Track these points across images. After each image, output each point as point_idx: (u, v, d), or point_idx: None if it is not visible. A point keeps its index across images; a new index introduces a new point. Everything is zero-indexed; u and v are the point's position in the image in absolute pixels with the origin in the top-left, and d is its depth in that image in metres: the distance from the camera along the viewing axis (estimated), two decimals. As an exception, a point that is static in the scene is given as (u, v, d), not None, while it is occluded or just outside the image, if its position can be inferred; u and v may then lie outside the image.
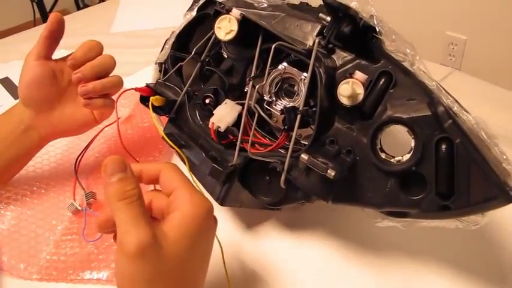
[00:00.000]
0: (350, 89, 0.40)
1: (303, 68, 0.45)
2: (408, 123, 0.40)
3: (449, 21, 1.62)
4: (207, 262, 0.37)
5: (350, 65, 0.43)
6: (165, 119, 0.55)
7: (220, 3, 0.49)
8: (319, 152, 0.41)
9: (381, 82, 0.41)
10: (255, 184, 0.48)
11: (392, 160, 0.41)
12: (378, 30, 0.41)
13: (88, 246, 0.51)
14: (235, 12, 0.46)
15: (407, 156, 0.40)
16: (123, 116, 0.70)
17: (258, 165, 0.47)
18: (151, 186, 0.40)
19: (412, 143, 0.40)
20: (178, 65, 0.54)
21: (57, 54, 0.55)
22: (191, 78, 0.52)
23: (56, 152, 0.65)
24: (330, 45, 0.44)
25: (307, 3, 0.53)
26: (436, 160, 0.38)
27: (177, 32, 0.55)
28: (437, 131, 0.38)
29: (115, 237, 0.39)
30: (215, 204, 0.41)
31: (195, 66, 0.52)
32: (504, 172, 0.37)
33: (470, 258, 0.48)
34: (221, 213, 0.51)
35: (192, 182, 0.38)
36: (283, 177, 0.44)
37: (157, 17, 1.13)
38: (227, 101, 0.49)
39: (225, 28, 0.46)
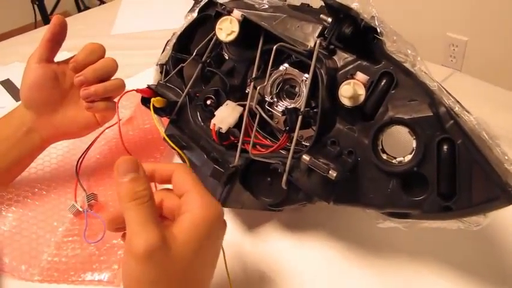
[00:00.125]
0: (351, 90, 0.40)
1: (304, 69, 0.45)
2: (410, 124, 0.39)
3: (450, 23, 1.62)
4: (213, 265, 0.37)
5: (351, 66, 0.43)
6: (166, 120, 0.55)
7: (221, 4, 0.50)
8: (321, 153, 0.41)
9: (382, 83, 0.41)
10: (256, 185, 0.48)
11: (393, 161, 0.41)
12: (379, 31, 0.41)
13: (89, 247, 0.51)
14: (237, 13, 0.46)
15: (408, 157, 0.40)
16: (124, 118, 0.70)
17: (259, 167, 0.47)
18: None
19: (414, 144, 0.39)
20: (180, 66, 0.54)
21: (59, 56, 0.55)
22: (192, 80, 0.52)
23: (57, 154, 0.65)
24: (331, 46, 0.44)
25: (308, 5, 0.53)
26: (438, 161, 0.38)
27: (178, 33, 0.55)
28: (438, 132, 0.38)
29: (123, 236, 0.39)
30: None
31: (196, 67, 0.52)
32: (506, 173, 0.37)
33: (472, 259, 0.48)
34: (222, 214, 0.51)
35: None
36: (284, 178, 0.44)
37: (158, 18, 1.13)
38: (228, 102, 0.49)
39: (226, 29, 0.46)
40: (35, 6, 2.32)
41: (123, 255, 0.33)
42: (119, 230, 0.38)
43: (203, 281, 0.36)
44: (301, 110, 0.44)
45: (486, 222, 0.39)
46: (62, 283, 0.48)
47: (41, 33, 0.54)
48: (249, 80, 0.49)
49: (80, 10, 2.70)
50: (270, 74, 0.47)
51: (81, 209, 0.54)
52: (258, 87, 0.47)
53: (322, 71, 0.42)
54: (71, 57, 0.54)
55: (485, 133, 0.38)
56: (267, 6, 0.51)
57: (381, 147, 0.41)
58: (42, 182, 0.60)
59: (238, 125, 0.48)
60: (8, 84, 0.86)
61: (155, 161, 0.63)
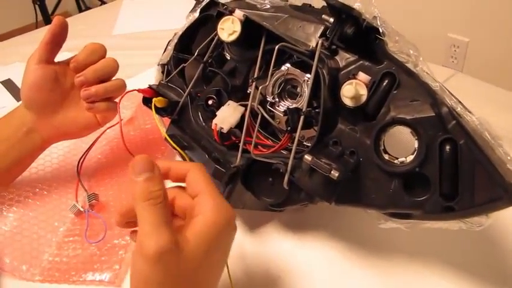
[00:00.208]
0: (353, 90, 0.40)
1: (306, 69, 0.45)
2: (412, 124, 0.39)
3: (451, 23, 1.62)
4: (222, 267, 0.37)
5: (353, 66, 0.43)
6: (167, 120, 0.55)
7: (223, 4, 0.50)
8: (323, 153, 0.41)
9: (384, 83, 0.41)
10: (257, 185, 0.48)
11: (395, 161, 0.41)
12: (381, 31, 0.41)
13: (90, 247, 0.51)
14: (239, 13, 0.46)
15: (410, 157, 0.40)
16: (126, 118, 0.70)
17: (260, 167, 0.47)
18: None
19: (416, 144, 0.39)
20: (181, 66, 0.54)
21: (60, 56, 0.55)
22: (194, 80, 0.52)
23: (58, 154, 0.65)
24: (333, 47, 0.44)
25: (310, 5, 0.53)
26: (440, 161, 0.38)
27: (180, 33, 0.55)
28: (441, 132, 0.38)
29: (132, 233, 0.40)
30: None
31: (198, 67, 0.52)
32: (508, 173, 0.37)
33: (474, 259, 0.48)
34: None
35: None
36: (286, 178, 0.44)
37: (159, 18, 1.13)
38: (230, 102, 0.49)
39: (228, 29, 0.46)
40: (36, 6, 2.32)
41: (132, 254, 0.33)
42: (129, 225, 0.38)
43: (210, 282, 0.36)
44: (303, 110, 0.43)
45: (488, 222, 0.39)
46: (63, 283, 0.48)
47: (42, 34, 0.53)
48: (250, 80, 0.49)
49: (81, 10, 2.70)
50: (272, 74, 0.47)
51: (82, 209, 0.54)
52: (260, 87, 0.47)
53: (324, 71, 0.42)
54: (72, 57, 0.54)
55: (487, 133, 0.38)
56: (268, 6, 0.51)
57: (382, 147, 0.41)
58: (43, 182, 0.60)
59: (239, 125, 0.48)
60: (9, 84, 0.86)
61: (155, 161, 0.63)
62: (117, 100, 0.55)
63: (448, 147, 0.38)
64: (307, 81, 0.44)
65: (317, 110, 0.44)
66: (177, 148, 0.49)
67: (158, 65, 0.57)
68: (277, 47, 0.44)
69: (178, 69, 0.54)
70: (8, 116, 0.55)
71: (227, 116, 0.48)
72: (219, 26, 0.47)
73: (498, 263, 0.48)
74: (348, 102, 0.41)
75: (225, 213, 0.35)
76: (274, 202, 0.47)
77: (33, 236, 0.53)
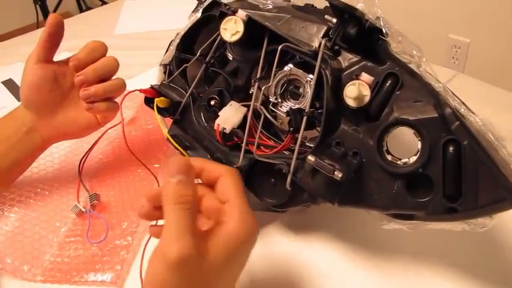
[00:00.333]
0: (356, 91, 0.40)
1: (308, 69, 0.45)
2: (415, 125, 0.39)
3: (452, 24, 1.62)
4: (237, 278, 0.37)
5: (356, 67, 0.43)
6: (169, 120, 0.55)
7: (225, 4, 0.49)
8: (325, 154, 0.41)
9: (387, 84, 0.41)
10: (260, 186, 0.48)
11: (398, 162, 0.40)
12: (384, 32, 0.41)
13: (92, 248, 0.51)
14: (241, 13, 0.46)
15: (413, 158, 0.40)
16: (127, 118, 0.70)
17: (263, 167, 0.47)
18: None
19: (419, 145, 0.39)
20: (183, 66, 0.54)
21: (60, 56, 0.55)
22: (196, 80, 0.52)
23: (59, 154, 0.65)
24: (336, 47, 0.44)
25: (313, 5, 0.53)
26: (443, 162, 0.38)
27: (182, 33, 0.55)
28: (444, 133, 0.38)
29: (152, 228, 0.39)
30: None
31: (200, 67, 0.52)
32: (512, 174, 0.37)
33: (477, 261, 0.48)
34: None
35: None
36: (289, 179, 0.44)
37: (160, 19, 1.13)
38: (232, 102, 0.49)
39: (231, 29, 0.46)
40: (37, 6, 2.32)
41: (151, 254, 0.33)
42: (150, 216, 0.38)
43: None
44: (306, 110, 0.43)
45: (492, 224, 0.39)
46: (64, 283, 0.48)
47: (43, 34, 0.53)
48: (253, 81, 0.49)
49: (81, 10, 2.70)
50: (275, 75, 0.46)
51: (83, 209, 0.54)
52: (262, 88, 0.47)
53: (327, 72, 0.42)
54: (72, 56, 0.54)
55: (491, 134, 0.38)
56: (271, 6, 0.50)
57: (385, 148, 0.41)
58: (45, 182, 0.60)
59: (242, 125, 0.48)
60: (10, 84, 0.86)
61: (158, 161, 0.63)
62: (118, 100, 0.54)
63: (451, 148, 0.38)
64: (310, 81, 0.44)
65: (320, 111, 0.44)
66: (179, 148, 0.49)
67: (160, 65, 0.57)
68: (280, 47, 0.44)
69: (180, 70, 0.54)
70: (8, 116, 0.55)
71: (229, 116, 0.48)
72: (222, 26, 0.46)
73: (501, 265, 0.48)
74: (350, 102, 0.41)
75: (249, 228, 0.35)
76: (277, 203, 0.47)
77: (34, 236, 0.53)
